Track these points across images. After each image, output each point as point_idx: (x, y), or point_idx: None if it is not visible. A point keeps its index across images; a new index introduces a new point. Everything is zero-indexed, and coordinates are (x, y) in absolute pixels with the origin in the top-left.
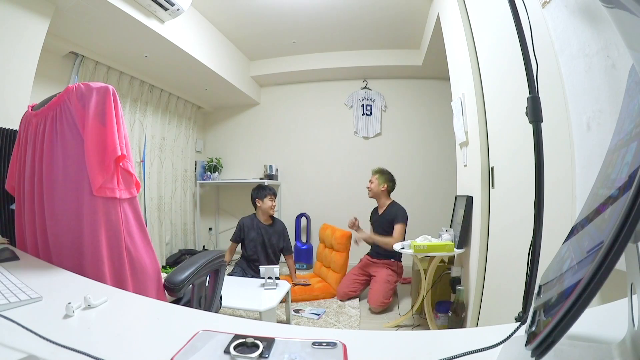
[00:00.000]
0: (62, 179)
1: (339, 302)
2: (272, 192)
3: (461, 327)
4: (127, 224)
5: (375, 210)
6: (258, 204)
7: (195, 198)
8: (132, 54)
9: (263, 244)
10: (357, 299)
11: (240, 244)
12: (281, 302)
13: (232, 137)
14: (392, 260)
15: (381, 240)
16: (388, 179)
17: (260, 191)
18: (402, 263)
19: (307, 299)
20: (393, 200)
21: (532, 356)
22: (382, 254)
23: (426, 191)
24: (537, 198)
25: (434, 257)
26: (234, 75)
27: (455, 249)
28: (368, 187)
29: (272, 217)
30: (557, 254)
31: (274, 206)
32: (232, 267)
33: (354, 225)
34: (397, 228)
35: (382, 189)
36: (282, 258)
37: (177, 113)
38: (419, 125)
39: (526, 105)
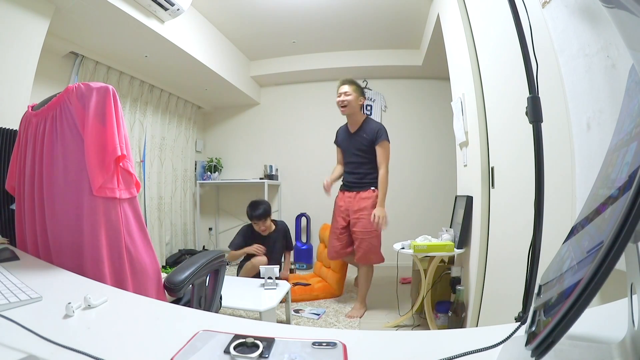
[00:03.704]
0: (62, 179)
1: (339, 302)
2: (255, 216)
3: (461, 327)
4: (127, 224)
5: (343, 129)
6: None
7: (195, 198)
8: (132, 54)
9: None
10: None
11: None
12: (281, 302)
13: (232, 137)
14: (371, 189)
15: (384, 190)
16: (363, 92)
17: (250, 213)
18: None
19: (307, 299)
20: (367, 116)
21: (532, 356)
22: (357, 184)
23: (426, 191)
24: (537, 198)
25: (434, 257)
26: (234, 75)
27: (455, 249)
28: (343, 101)
29: (273, 223)
30: (557, 254)
31: (265, 229)
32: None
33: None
34: (384, 149)
35: (360, 102)
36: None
37: (177, 113)
38: (419, 125)
39: (526, 105)
